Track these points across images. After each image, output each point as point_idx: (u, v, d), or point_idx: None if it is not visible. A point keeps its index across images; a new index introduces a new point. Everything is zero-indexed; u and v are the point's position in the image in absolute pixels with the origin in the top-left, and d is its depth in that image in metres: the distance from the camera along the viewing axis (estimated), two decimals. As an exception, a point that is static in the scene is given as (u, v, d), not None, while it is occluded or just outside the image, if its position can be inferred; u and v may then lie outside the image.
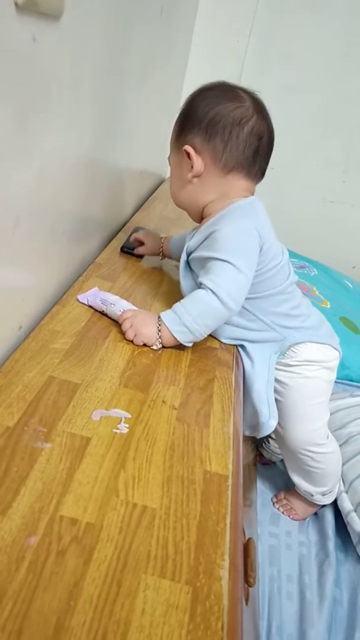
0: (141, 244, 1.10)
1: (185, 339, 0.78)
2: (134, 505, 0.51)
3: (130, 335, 0.78)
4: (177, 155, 0.86)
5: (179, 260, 0.92)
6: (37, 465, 0.52)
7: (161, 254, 1.10)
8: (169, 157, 0.89)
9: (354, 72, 1.99)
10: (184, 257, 0.89)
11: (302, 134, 2.09)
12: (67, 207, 0.86)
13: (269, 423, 0.87)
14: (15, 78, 0.55)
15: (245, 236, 0.79)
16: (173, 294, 1.00)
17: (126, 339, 0.79)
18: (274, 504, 1.10)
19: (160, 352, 0.79)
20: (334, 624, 0.87)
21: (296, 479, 1.05)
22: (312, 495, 1.04)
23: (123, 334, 0.79)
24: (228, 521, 0.53)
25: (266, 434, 0.89)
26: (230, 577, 0.47)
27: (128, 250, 1.10)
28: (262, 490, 1.13)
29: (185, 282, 0.88)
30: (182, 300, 0.79)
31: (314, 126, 2.09)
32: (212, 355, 0.84)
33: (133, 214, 1.45)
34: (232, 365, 0.83)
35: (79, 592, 0.42)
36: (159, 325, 0.77)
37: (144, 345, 0.78)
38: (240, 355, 0.89)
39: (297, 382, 0.93)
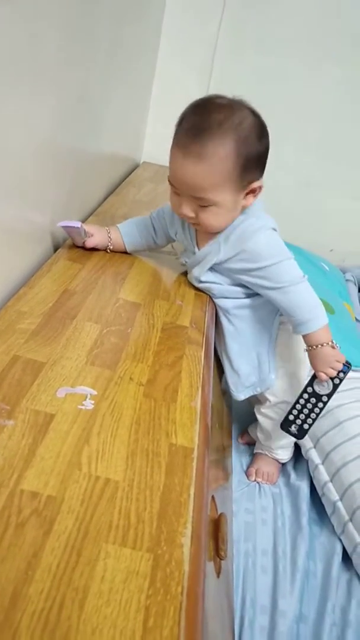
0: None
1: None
2: (96, 478, 0.51)
3: None
4: (236, 195, 0.85)
5: (125, 252, 1.05)
6: (-2, 441, 0.52)
7: (110, 245, 1.03)
8: (212, 203, 0.84)
9: (328, 57, 1.98)
10: (207, 267, 0.94)
11: (277, 119, 2.05)
12: (29, 190, 0.85)
13: (269, 377, 1.00)
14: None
15: (275, 238, 0.90)
16: (142, 276, 0.99)
17: None
18: (247, 477, 1.11)
19: (130, 330, 0.79)
20: (307, 595, 0.89)
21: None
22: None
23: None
24: (192, 492, 0.53)
25: (267, 387, 1.01)
26: (193, 543, 0.47)
27: None
28: (239, 468, 1.14)
29: (217, 285, 0.96)
30: (295, 312, 0.89)
31: (289, 111, 2.08)
32: (182, 334, 0.84)
33: (105, 198, 1.44)
34: (202, 343, 0.83)
35: (38, 562, 0.42)
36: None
37: None
38: (218, 329, 0.90)
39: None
